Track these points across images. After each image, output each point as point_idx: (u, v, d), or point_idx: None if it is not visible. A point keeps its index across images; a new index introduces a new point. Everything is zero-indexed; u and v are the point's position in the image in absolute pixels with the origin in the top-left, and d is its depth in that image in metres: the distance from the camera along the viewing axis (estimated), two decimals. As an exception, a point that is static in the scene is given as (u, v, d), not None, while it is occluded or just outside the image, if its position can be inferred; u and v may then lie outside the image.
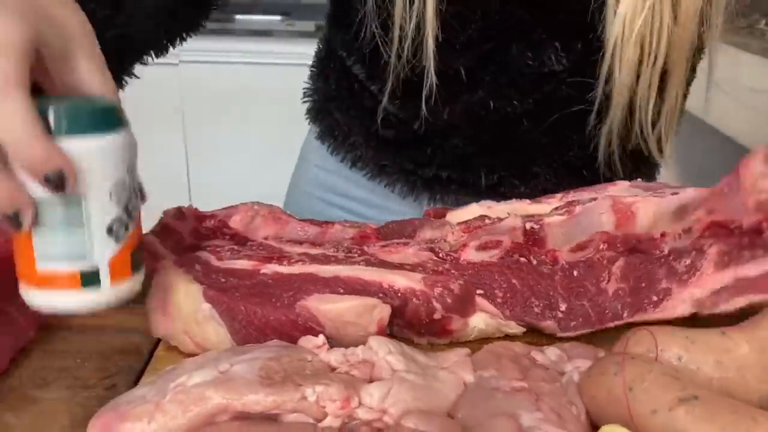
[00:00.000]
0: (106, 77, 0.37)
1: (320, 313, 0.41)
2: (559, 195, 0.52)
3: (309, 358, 0.38)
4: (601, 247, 0.43)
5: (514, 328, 0.43)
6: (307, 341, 0.39)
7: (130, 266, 0.37)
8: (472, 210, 0.52)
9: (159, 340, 0.44)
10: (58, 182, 0.33)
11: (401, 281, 0.42)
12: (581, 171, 0.64)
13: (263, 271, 0.43)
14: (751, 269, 0.42)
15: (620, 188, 0.50)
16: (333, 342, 0.40)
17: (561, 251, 0.43)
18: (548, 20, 0.59)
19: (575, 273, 0.43)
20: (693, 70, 0.62)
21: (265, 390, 0.34)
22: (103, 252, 0.36)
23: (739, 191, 0.43)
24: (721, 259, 0.43)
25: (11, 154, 0.33)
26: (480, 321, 0.43)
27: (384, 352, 0.38)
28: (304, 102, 0.75)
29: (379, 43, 0.59)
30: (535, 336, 0.45)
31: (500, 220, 0.47)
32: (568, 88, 0.60)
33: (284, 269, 0.43)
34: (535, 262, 0.44)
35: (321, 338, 0.39)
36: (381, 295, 0.42)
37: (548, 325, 0.43)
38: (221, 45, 1.91)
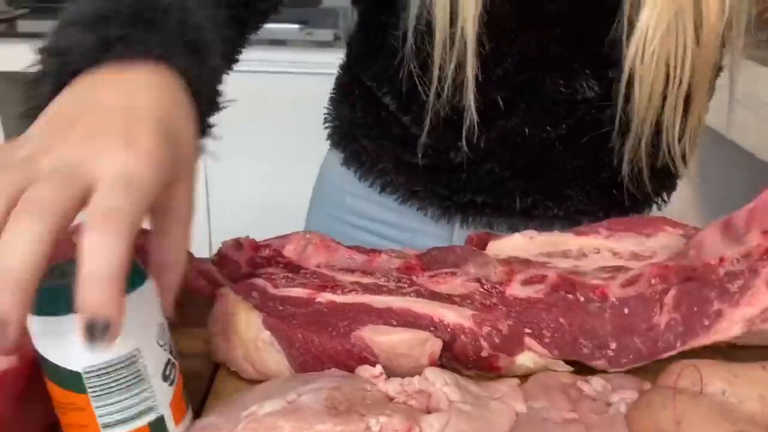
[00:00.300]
0: (189, 206, 0.37)
1: (374, 344, 0.43)
2: (603, 229, 0.52)
3: (368, 387, 0.40)
4: (653, 282, 0.44)
5: (563, 367, 0.45)
6: (365, 371, 0.41)
7: (184, 401, 0.39)
8: (515, 240, 0.53)
9: (218, 366, 0.46)
10: (100, 331, 0.30)
11: (451, 316, 0.44)
12: (611, 191, 0.66)
13: (318, 299, 0.45)
14: None
15: (668, 237, 0.50)
16: (386, 372, 0.42)
17: (610, 287, 0.44)
18: (581, 52, 0.61)
19: (626, 310, 0.44)
20: (712, 87, 0.64)
21: (332, 420, 0.36)
22: (164, 399, 0.37)
23: None
24: None
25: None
26: (528, 359, 0.44)
27: (440, 383, 0.40)
28: (326, 128, 0.77)
29: (417, 83, 0.61)
30: (577, 365, 0.47)
31: (543, 266, 0.48)
32: (598, 112, 0.62)
33: (338, 298, 0.45)
34: (582, 299, 0.44)
35: (378, 368, 0.41)
36: (432, 328, 0.43)
37: (598, 363, 0.44)
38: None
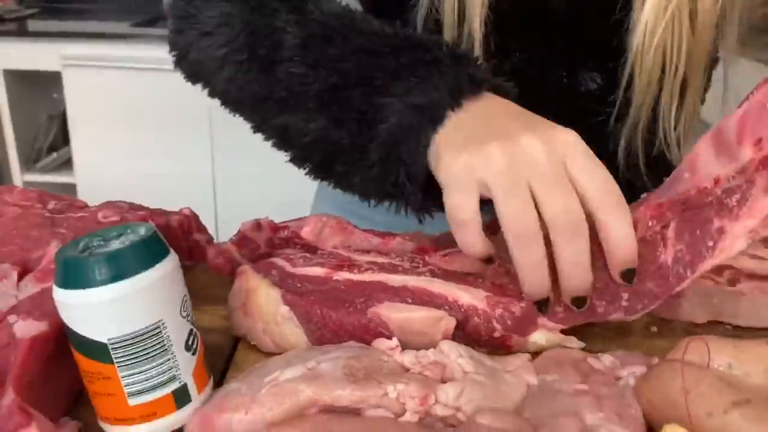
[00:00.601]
0: None
1: (390, 320, 0.44)
2: None
3: (385, 358, 0.41)
4: (651, 224, 0.44)
5: (575, 343, 0.46)
6: (381, 343, 0.43)
7: (206, 371, 0.40)
8: None
9: (238, 341, 0.48)
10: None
11: (465, 297, 0.45)
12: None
13: (335, 277, 0.47)
14: None
15: None
16: (402, 346, 0.43)
17: None
18: (584, 45, 0.62)
19: None
20: (708, 78, 0.65)
21: (351, 386, 0.37)
22: (187, 368, 0.38)
23: None
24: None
25: None
26: (540, 337, 0.45)
27: (455, 355, 0.41)
28: None
29: None
30: (589, 342, 0.48)
31: None
32: (599, 103, 0.64)
33: (355, 276, 0.47)
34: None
35: (394, 341, 0.42)
36: (446, 307, 0.45)
37: (614, 317, 0.45)
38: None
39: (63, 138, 2.14)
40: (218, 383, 0.43)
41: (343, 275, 0.47)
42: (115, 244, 0.37)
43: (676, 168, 0.70)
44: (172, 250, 0.38)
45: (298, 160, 0.54)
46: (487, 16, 0.58)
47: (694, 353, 0.40)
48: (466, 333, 0.45)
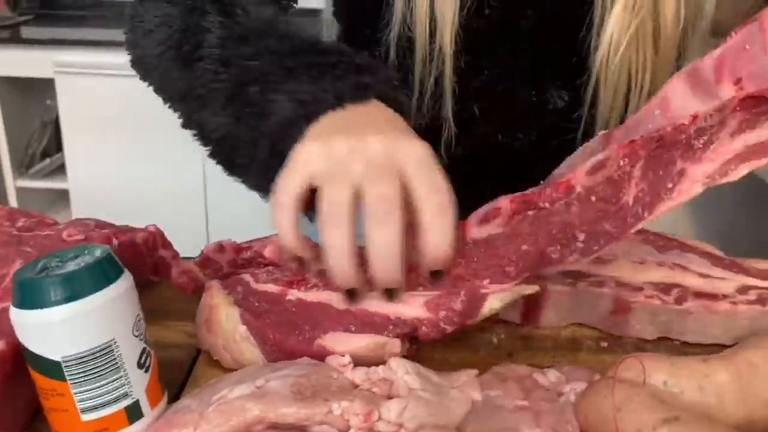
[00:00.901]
0: None
1: (337, 351, 0.45)
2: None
3: (335, 375, 0.42)
4: (622, 163, 0.41)
5: (530, 289, 0.45)
6: (333, 359, 0.44)
7: (160, 387, 0.42)
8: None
9: (198, 355, 0.49)
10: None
11: (407, 311, 0.45)
12: None
13: (288, 297, 0.48)
14: (763, 133, 0.41)
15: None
16: (356, 363, 0.45)
17: (576, 176, 0.41)
18: (552, 62, 0.64)
19: (593, 198, 0.42)
20: None
21: (297, 404, 0.39)
22: (139, 385, 0.40)
23: (766, 50, 0.40)
24: (739, 126, 0.41)
25: None
26: (495, 302, 0.44)
27: (402, 372, 0.42)
28: None
29: None
30: (539, 357, 0.50)
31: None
32: (566, 120, 0.65)
33: (303, 295, 0.47)
34: (546, 204, 0.43)
35: (347, 358, 0.44)
36: (391, 326, 0.45)
37: (569, 260, 0.44)
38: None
39: (56, 144, 2.15)
40: (176, 397, 0.45)
41: (294, 294, 0.48)
42: (71, 266, 0.38)
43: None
44: (126, 271, 0.40)
45: (212, 155, 0.55)
46: (457, 34, 0.60)
47: (631, 370, 0.42)
48: (421, 338, 0.46)
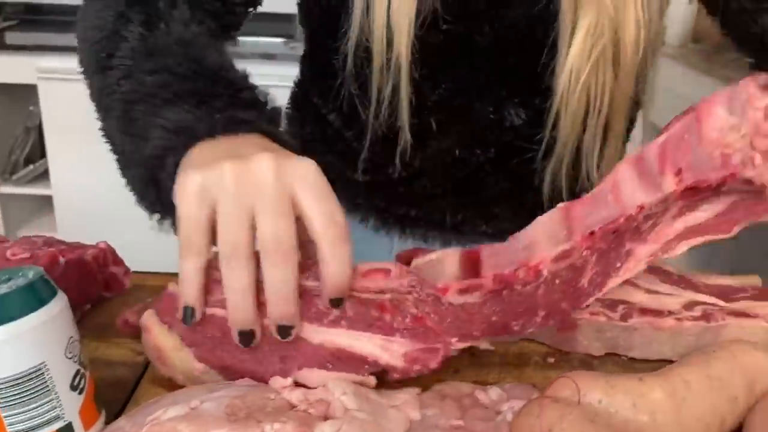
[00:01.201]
0: None
1: (311, 384, 0.45)
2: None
3: (272, 396, 0.43)
4: (585, 253, 0.44)
5: (487, 345, 0.48)
6: (275, 381, 0.44)
7: (95, 408, 0.42)
8: (434, 257, 0.56)
9: (143, 373, 0.49)
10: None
11: (384, 357, 0.45)
12: (536, 211, 0.70)
13: None
14: (701, 215, 0.45)
15: None
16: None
17: (544, 262, 0.44)
18: (510, 80, 0.64)
19: (557, 281, 0.45)
20: (632, 121, 0.67)
21: (230, 425, 0.39)
22: (72, 407, 0.40)
23: (701, 141, 0.42)
24: (680, 211, 0.44)
25: None
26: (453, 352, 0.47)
27: (339, 393, 0.43)
28: None
29: (357, 103, 0.64)
30: (485, 372, 0.50)
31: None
32: (524, 139, 0.66)
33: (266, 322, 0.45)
34: (519, 287, 0.45)
35: (289, 380, 0.44)
36: (366, 366, 0.46)
37: (526, 333, 0.47)
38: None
39: (40, 150, 2.15)
40: (117, 416, 0.45)
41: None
42: (3, 288, 0.38)
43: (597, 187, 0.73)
44: (60, 293, 0.40)
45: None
46: (413, 45, 0.60)
47: (565, 389, 0.42)
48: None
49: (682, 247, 0.46)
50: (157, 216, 0.51)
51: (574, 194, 0.67)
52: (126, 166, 0.52)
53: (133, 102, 0.50)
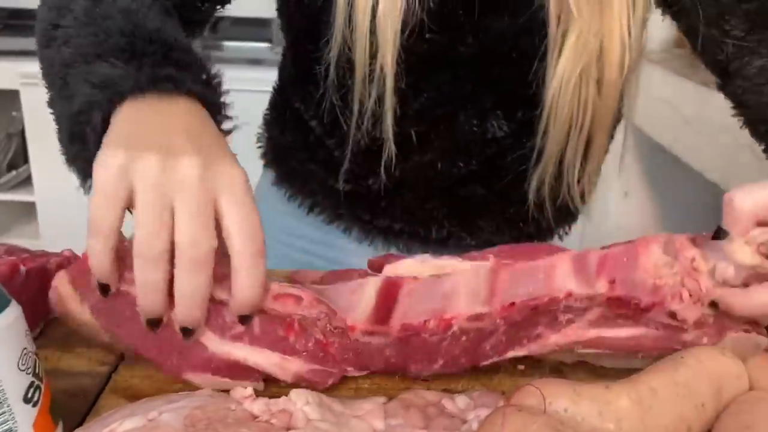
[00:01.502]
0: None
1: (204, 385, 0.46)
2: (492, 255, 0.54)
3: (233, 407, 0.42)
4: (498, 321, 0.46)
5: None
6: (237, 392, 0.44)
7: (51, 420, 0.40)
8: (408, 264, 0.55)
9: (106, 384, 0.48)
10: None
11: (276, 373, 0.46)
12: (519, 224, 0.70)
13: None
14: (615, 332, 0.47)
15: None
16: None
17: (458, 319, 0.46)
18: (493, 91, 0.64)
19: (463, 338, 0.46)
20: (611, 137, 0.67)
21: (188, 438, 0.38)
22: (26, 421, 0.38)
23: (637, 268, 0.46)
24: (597, 320, 0.47)
25: None
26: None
27: (302, 403, 0.42)
28: (259, 147, 0.79)
29: (338, 114, 0.63)
30: (455, 379, 0.50)
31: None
32: (508, 151, 0.65)
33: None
34: (426, 336, 0.46)
35: (249, 390, 0.43)
36: (256, 374, 0.46)
37: (416, 374, 0.49)
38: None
39: (22, 156, 2.13)
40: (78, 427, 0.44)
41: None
42: None
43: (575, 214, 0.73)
44: (13, 303, 0.39)
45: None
46: (399, 55, 0.59)
47: (532, 397, 0.41)
48: None
49: (581, 350, 0.49)
50: (88, 183, 0.49)
51: (555, 207, 0.67)
52: (59, 129, 0.50)
53: (69, 65, 0.48)
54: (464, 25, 0.62)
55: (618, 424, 0.41)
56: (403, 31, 0.59)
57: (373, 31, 0.58)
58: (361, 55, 0.59)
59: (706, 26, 0.59)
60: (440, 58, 0.63)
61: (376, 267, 0.58)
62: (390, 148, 0.63)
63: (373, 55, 0.59)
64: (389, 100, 0.60)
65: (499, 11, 0.61)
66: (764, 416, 0.42)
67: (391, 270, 0.56)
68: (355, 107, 0.62)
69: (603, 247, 0.48)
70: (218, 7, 0.65)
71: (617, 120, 0.66)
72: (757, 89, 0.58)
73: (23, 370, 0.39)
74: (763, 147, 0.61)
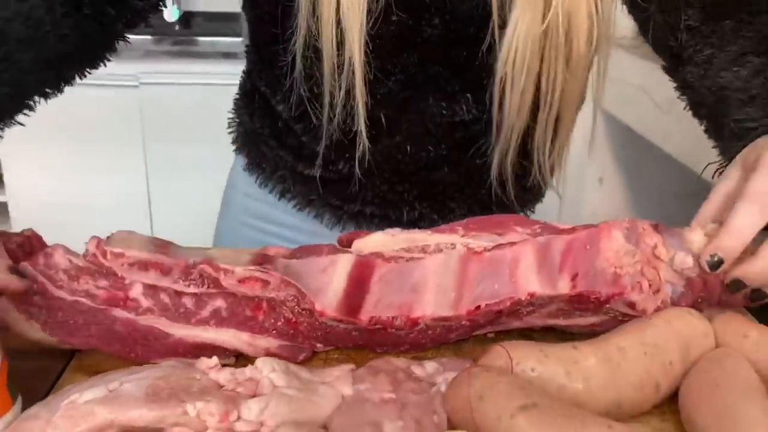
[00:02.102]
0: None
1: None
2: (460, 227, 0.54)
3: (198, 376, 0.41)
4: (464, 322, 0.46)
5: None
6: (202, 362, 0.43)
7: (9, 395, 0.40)
8: (377, 238, 0.55)
9: (67, 363, 0.47)
10: None
11: (247, 351, 0.47)
12: (491, 207, 0.70)
13: (114, 313, 0.46)
14: (570, 321, 0.49)
15: (521, 233, 0.51)
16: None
17: (424, 318, 0.46)
18: (461, 74, 0.63)
19: (429, 331, 0.47)
20: (578, 110, 0.68)
21: (150, 406, 0.37)
22: None
23: (599, 255, 0.46)
24: (557, 312, 0.48)
25: None
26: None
27: (267, 371, 0.41)
28: (230, 133, 0.78)
29: (309, 107, 0.62)
30: (420, 352, 0.49)
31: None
32: (476, 134, 0.65)
33: (134, 317, 0.46)
34: (394, 330, 0.47)
35: (214, 360, 0.43)
36: (227, 353, 0.47)
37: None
38: (181, 67, 1.95)
39: (-7, 156, 2.09)
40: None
41: (121, 313, 0.46)
42: None
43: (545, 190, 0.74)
44: None
45: None
46: (366, 43, 0.58)
47: (501, 358, 0.41)
48: None
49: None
50: None
51: (522, 186, 0.67)
52: None
53: None
54: (431, 6, 0.61)
55: (586, 383, 0.41)
56: (368, 19, 0.58)
57: (338, 19, 0.58)
58: (328, 45, 0.58)
59: (661, 13, 0.60)
60: (407, 40, 0.62)
61: (345, 243, 0.57)
62: (363, 140, 0.62)
63: (340, 45, 0.58)
64: (359, 92, 0.59)
65: None
66: (731, 372, 0.42)
67: (361, 245, 0.55)
68: (326, 100, 0.61)
69: (567, 230, 0.48)
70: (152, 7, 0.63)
71: (582, 99, 0.66)
72: (702, 74, 0.60)
73: None
74: (703, 127, 0.63)
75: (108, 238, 0.49)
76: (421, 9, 0.61)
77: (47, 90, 0.59)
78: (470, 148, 0.66)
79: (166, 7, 0.66)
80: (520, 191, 0.68)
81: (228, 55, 2.03)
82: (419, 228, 0.71)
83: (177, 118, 1.98)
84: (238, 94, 0.79)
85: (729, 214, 0.45)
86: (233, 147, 0.80)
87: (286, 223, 0.76)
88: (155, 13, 0.64)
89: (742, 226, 0.44)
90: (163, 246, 0.49)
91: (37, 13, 0.54)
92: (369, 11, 0.57)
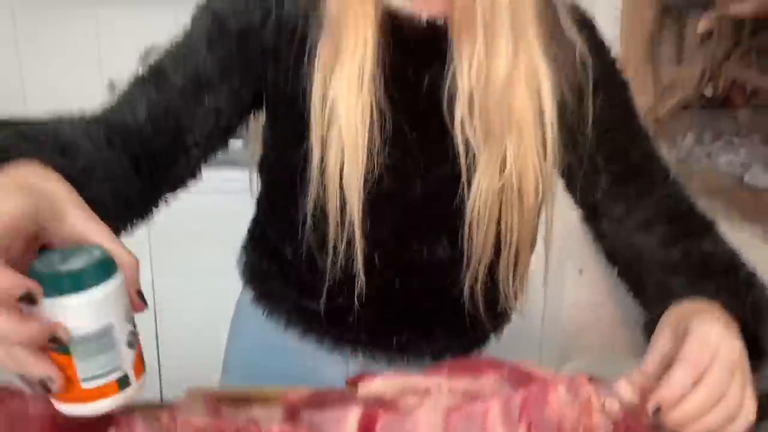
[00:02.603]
0: (99, 224, 0.46)
1: None
2: (444, 371, 0.64)
3: None
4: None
5: None
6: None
7: (142, 362, 0.48)
8: (377, 384, 0.66)
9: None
10: (29, 300, 0.41)
11: None
12: (468, 331, 0.84)
13: None
14: None
15: (492, 376, 0.63)
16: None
17: None
18: (438, 223, 0.77)
19: None
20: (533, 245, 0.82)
21: None
22: (128, 360, 0.46)
23: (547, 405, 0.55)
24: None
25: None
26: None
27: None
28: (239, 267, 0.91)
29: (315, 255, 0.76)
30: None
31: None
32: (451, 269, 0.78)
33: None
34: None
35: None
36: None
37: None
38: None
39: None
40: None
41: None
42: (77, 263, 0.43)
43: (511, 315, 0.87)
44: (119, 268, 0.45)
45: None
46: (363, 206, 0.71)
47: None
48: None
49: None
50: None
51: (494, 312, 0.81)
52: None
53: None
54: (413, 174, 0.76)
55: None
56: (365, 186, 0.71)
57: (342, 188, 0.71)
58: (333, 209, 0.71)
59: (583, 178, 0.77)
60: (396, 200, 0.75)
61: (352, 382, 0.69)
62: (361, 281, 0.74)
63: (342, 207, 0.71)
64: (359, 243, 0.72)
65: (442, 162, 0.74)
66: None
67: (365, 389, 0.67)
68: (330, 248, 0.73)
69: (529, 374, 0.61)
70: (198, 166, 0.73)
71: (534, 240, 0.80)
72: (616, 230, 0.77)
73: (127, 321, 0.46)
74: (616, 272, 0.80)
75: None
76: (405, 175, 0.75)
77: None
78: (446, 280, 0.79)
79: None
80: (491, 317, 0.81)
81: (228, 162, 2.09)
82: (407, 352, 0.85)
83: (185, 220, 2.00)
84: (247, 237, 0.92)
85: (668, 373, 0.55)
86: (242, 279, 0.92)
87: (290, 348, 0.87)
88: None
89: (679, 383, 0.54)
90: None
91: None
92: (365, 181, 0.71)
